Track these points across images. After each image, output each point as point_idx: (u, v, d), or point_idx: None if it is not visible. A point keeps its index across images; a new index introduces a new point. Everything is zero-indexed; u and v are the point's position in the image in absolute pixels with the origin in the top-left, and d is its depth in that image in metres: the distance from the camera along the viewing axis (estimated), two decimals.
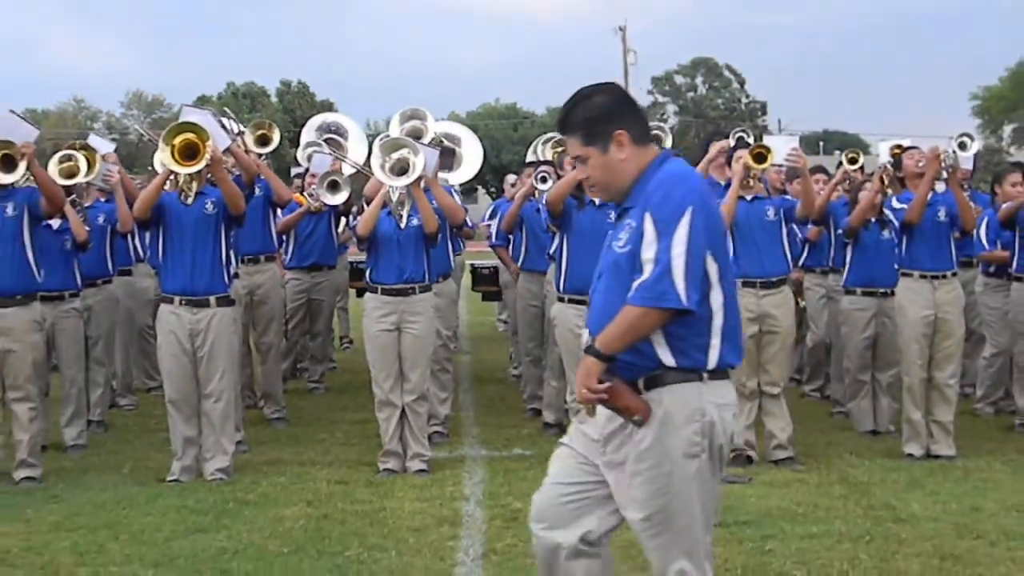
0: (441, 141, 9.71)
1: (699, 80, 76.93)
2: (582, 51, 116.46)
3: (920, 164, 8.89)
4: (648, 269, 3.83)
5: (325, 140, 11.29)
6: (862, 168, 10.34)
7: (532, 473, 8.48)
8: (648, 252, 3.85)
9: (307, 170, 11.45)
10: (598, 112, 4.11)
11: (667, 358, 3.90)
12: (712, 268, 3.91)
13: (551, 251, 9.04)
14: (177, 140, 8.43)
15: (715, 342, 3.95)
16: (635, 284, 3.87)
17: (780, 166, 8.95)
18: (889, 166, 9.36)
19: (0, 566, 6.48)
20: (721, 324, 3.96)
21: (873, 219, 9.21)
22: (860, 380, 9.77)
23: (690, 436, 3.91)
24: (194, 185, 8.50)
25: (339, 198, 11.09)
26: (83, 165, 9.89)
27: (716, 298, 3.94)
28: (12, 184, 8.57)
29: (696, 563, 3.99)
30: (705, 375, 3.94)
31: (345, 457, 9.13)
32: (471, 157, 10.24)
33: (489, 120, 69.29)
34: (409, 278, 8.69)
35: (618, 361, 3.90)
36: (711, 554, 4.03)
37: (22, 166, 8.56)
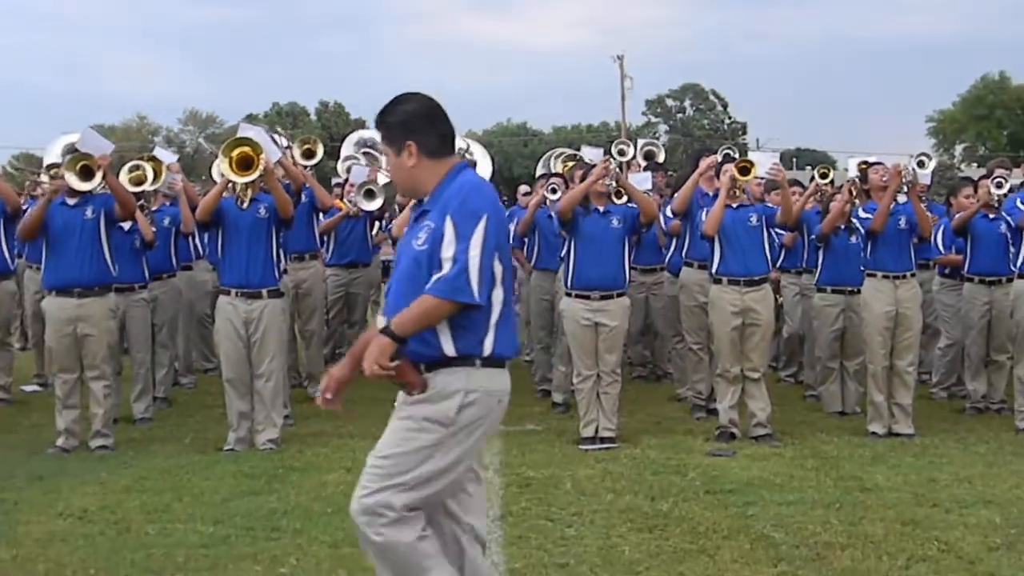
0: (464, 155, 9.76)
1: (687, 103, 76.64)
2: (585, 77, 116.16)
3: (884, 178, 8.93)
4: (447, 266, 3.83)
5: (362, 154, 11.35)
6: (832, 182, 10.35)
7: (542, 446, 8.56)
8: (448, 251, 3.85)
9: (346, 180, 11.49)
10: (399, 120, 4.11)
11: (448, 347, 3.89)
12: (497, 268, 3.93)
13: (561, 253, 9.07)
14: (235, 153, 8.50)
15: (491, 334, 3.95)
16: (434, 278, 3.87)
17: (761, 179, 8.99)
18: (856, 180, 9.39)
19: (80, 522, 6.51)
20: (497, 318, 3.96)
21: (842, 226, 9.25)
22: (829, 367, 9.80)
23: (443, 410, 3.89)
24: (249, 192, 8.57)
25: (374, 204, 11.15)
26: (150, 174, 9.97)
27: (498, 295, 3.95)
28: (90, 191, 8.62)
29: (396, 505, 3.90)
30: (478, 362, 3.93)
31: (378, 430, 8.97)
32: (483, 169, 10.30)
33: (502, 137, 69.10)
34: None
35: (408, 347, 3.90)
36: (429, 506, 3.96)
37: (99, 175, 8.61)
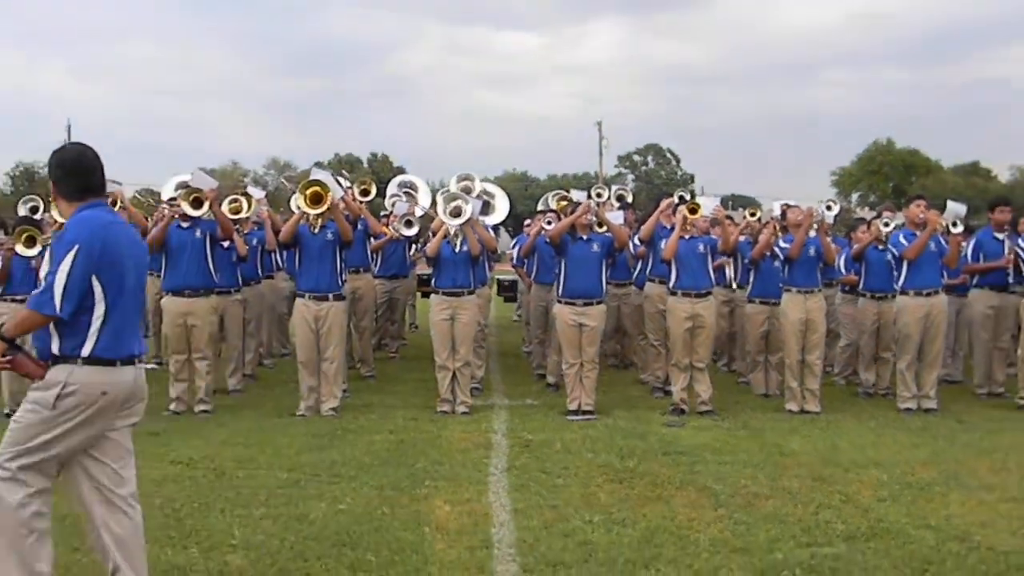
0: (482, 195, 9.73)
1: (649, 158, 76.63)
2: (571, 137, 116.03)
3: (799, 217, 8.94)
4: (41, 285, 3.70)
5: (403, 193, 11.32)
6: (759, 219, 10.35)
7: (538, 416, 8.51)
8: (43, 273, 3.76)
9: (391, 212, 11.48)
10: (50, 166, 3.98)
11: (55, 347, 3.72)
12: (98, 288, 3.73)
13: (555, 271, 9.03)
14: (308, 191, 8.49)
15: (91, 340, 3.73)
16: (32, 293, 3.77)
17: (706, 217, 8.96)
18: (778, 218, 9.37)
19: (186, 468, 6.50)
20: (99, 327, 3.74)
21: (768, 253, 9.22)
22: (757, 360, 9.75)
23: (46, 396, 3.71)
24: (319, 221, 8.54)
25: (412, 231, 11.11)
26: (244, 205, 9.95)
27: (99, 309, 3.74)
28: (199, 217, 8.64)
29: (9, 466, 3.71)
30: (80, 361, 3.72)
31: (414, 402, 9.13)
32: (502, 206, 10.26)
33: (507, 183, 68.73)
34: (460, 285, 8.72)
35: (40, 344, 3.77)
36: (32, 471, 3.73)
37: (206, 205, 8.63)
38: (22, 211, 10.24)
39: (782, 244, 8.99)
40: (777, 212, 9.53)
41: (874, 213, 10.85)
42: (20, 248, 8.40)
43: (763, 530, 5.12)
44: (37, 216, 9.54)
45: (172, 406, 8.57)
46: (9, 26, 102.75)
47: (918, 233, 8.81)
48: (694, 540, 4.95)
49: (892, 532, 5.09)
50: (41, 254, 8.52)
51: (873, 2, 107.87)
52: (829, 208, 9.44)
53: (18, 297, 8.50)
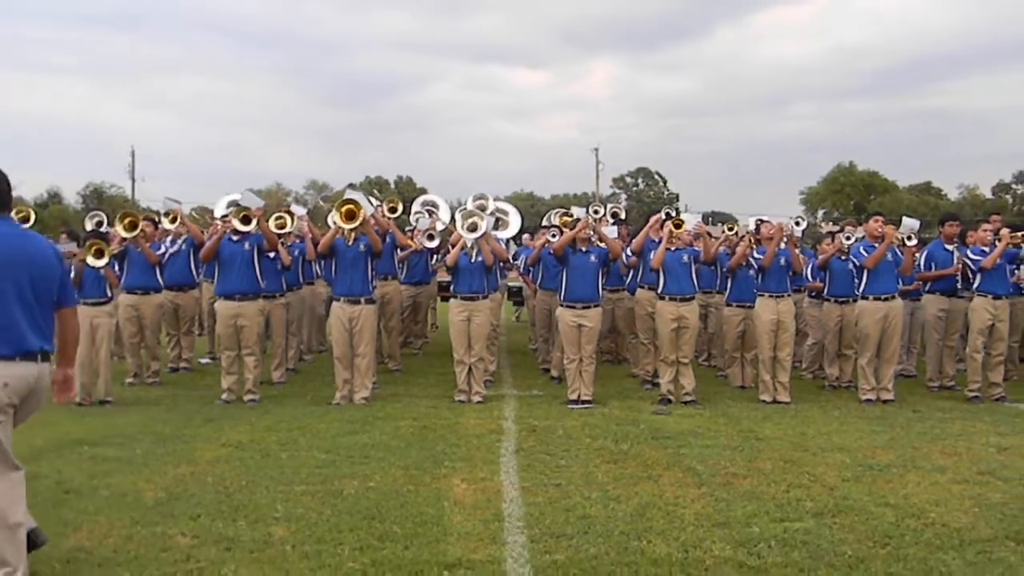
0: (495, 212, 9.73)
1: (640, 180, 76.46)
2: (572, 161, 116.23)
3: (771, 232, 8.92)
4: None
5: (425, 210, 11.33)
6: (736, 233, 10.31)
7: (543, 405, 8.48)
8: None
9: (415, 227, 11.50)
10: None
11: None
12: None
13: (559, 278, 9.02)
14: (343, 208, 8.49)
15: None
16: None
17: (689, 231, 8.94)
18: (753, 232, 9.35)
19: (236, 450, 6.48)
20: None
21: (744, 263, 9.19)
22: (734, 356, 9.69)
23: None
24: (353, 234, 8.53)
25: (433, 244, 11.13)
26: (288, 221, 9.98)
27: None
28: (248, 231, 8.65)
29: None
30: None
31: (435, 392, 9.12)
32: (514, 222, 10.26)
33: (515, 201, 68.65)
34: (476, 290, 8.70)
35: None
36: None
37: (254, 222, 8.64)
38: (89, 225, 10.31)
39: (756, 255, 8.95)
40: (752, 227, 9.49)
41: (837, 228, 10.82)
42: (90, 259, 8.42)
43: (741, 506, 5.09)
44: (102, 229, 9.58)
45: (224, 396, 8.56)
46: (78, 60, 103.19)
47: (877, 245, 8.77)
48: (680, 515, 4.93)
49: (856, 509, 5.05)
50: (109, 264, 8.58)
51: (839, 40, 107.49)
52: (798, 223, 9.39)
53: (89, 301, 8.55)
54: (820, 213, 60.19)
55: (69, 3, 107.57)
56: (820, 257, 9.78)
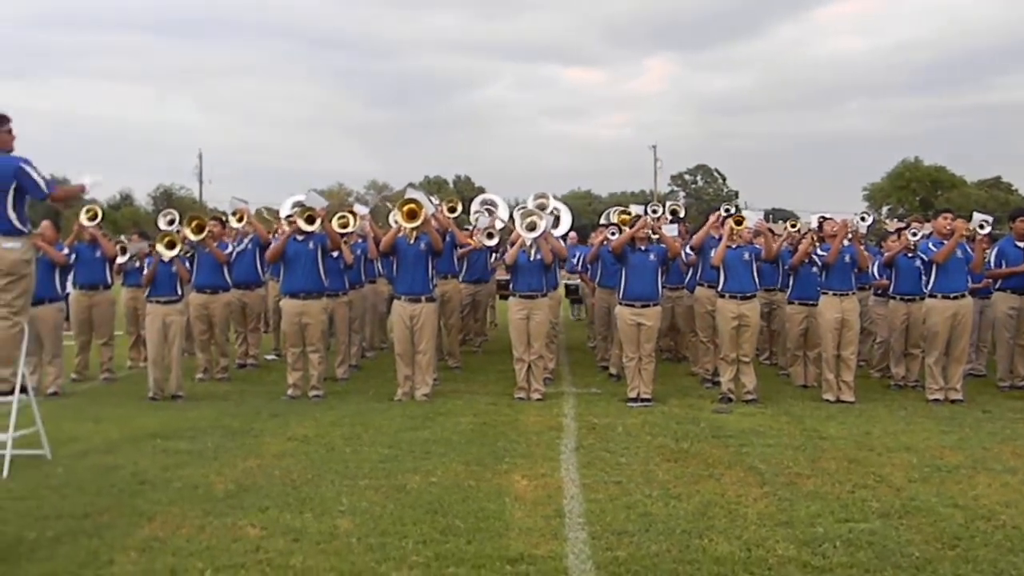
0: (554, 211, 9.73)
1: (698, 177, 75.55)
2: (628, 158, 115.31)
3: (834, 228, 8.75)
4: None
5: (485, 209, 11.38)
6: (799, 230, 10.14)
7: (602, 403, 8.47)
8: None
9: (474, 226, 11.56)
10: None
11: None
12: None
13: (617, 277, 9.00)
14: (404, 208, 8.58)
15: None
16: None
17: (750, 228, 8.83)
18: (816, 229, 9.18)
19: (302, 444, 6.59)
20: None
21: (806, 260, 9.03)
22: (796, 354, 9.52)
23: None
24: (414, 233, 8.61)
25: (492, 242, 11.14)
26: (351, 220, 10.12)
27: None
28: (312, 231, 8.79)
29: None
30: None
31: (495, 390, 9.16)
32: (565, 220, 10.26)
33: (573, 200, 68.44)
34: (535, 288, 8.71)
35: None
36: None
37: (318, 222, 8.79)
38: (162, 223, 10.56)
39: (820, 252, 8.79)
40: (815, 224, 9.33)
41: (902, 224, 10.56)
42: (161, 249, 8.67)
43: (804, 506, 5.01)
44: (174, 227, 9.83)
45: (289, 391, 8.73)
46: (144, 66, 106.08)
47: (946, 242, 8.55)
48: (743, 514, 4.88)
49: (923, 510, 4.93)
50: (181, 258, 8.83)
51: (898, 34, 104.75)
52: (863, 219, 9.21)
53: (161, 299, 8.80)
54: (884, 209, 58.69)
55: (133, 11, 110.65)
56: (886, 254, 9.55)
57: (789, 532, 4.57)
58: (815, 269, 8.93)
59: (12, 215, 5.75)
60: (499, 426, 7.29)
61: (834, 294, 8.64)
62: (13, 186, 5.73)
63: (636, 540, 4.45)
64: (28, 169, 5.76)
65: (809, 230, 9.46)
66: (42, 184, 5.81)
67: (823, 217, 9.16)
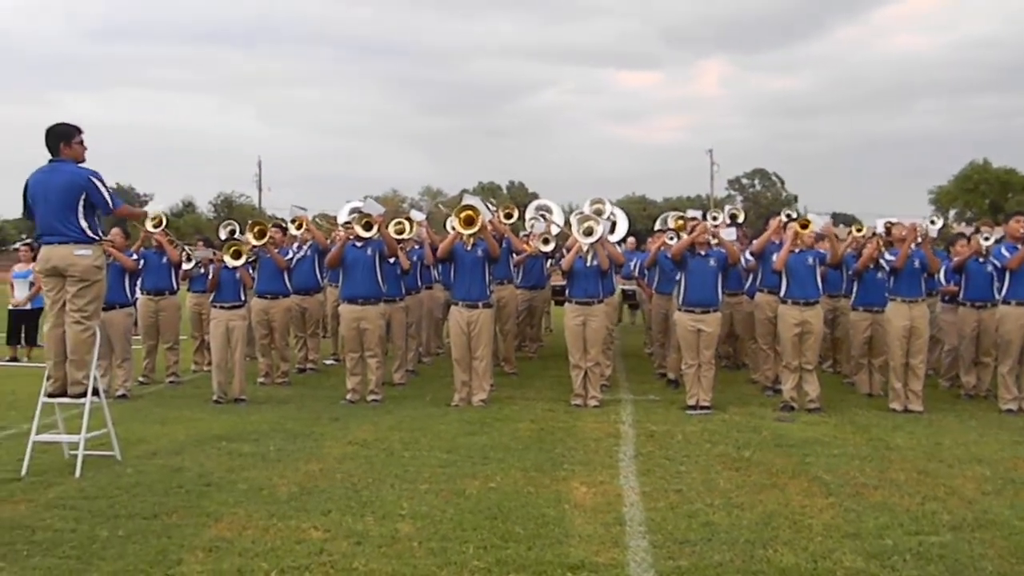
0: (611, 217, 9.70)
1: (756, 181, 74.52)
2: (684, 162, 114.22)
3: (903, 233, 8.56)
4: None
5: (540, 215, 11.39)
6: (863, 234, 9.93)
7: (660, 410, 8.40)
8: None
9: (529, 232, 11.57)
10: None
11: None
12: None
13: (675, 282, 8.95)
14: (462, 214, 8.64)
15: None
16: None
17: (815, 232, 8.69)
18: (882, 234, 8.99)
19: (361, 448, 6.67)
20: None
21: (872, 266, 8.85)
22: (861, 362, 9.34)
23: None
24: (471, 240, 8.68)
25: (548, 248, 11.18)
26: (407, 227, 10.23)
27: None
28: (370, 237, 8.89)
29: None
30: None
31: (551, 395, 9.15)
32: (621, 226, 10.24)
33: (627, 205, 68.15)
34: (591, 294, 8.69)
35: None
36: None
37: (375, 228, 8.89)
38: (223, 234, 10.84)
39: (888, 257, 8.60)
40: (880, 229, 9.14)
41: (971, 228, 10.27)
42: (228, 259, 8.88)
43: (872, 518, 4.91)
44: (236, 237, 10.07)
45: (348, 396, 8.84)
46: (206, 76, 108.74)
47: (1020, 247, 8.30)
48: (808, 525, 4.79)
49: (997, 523, 4.79)
50: (245, 265, 9.03)
51: (964, 33, 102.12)
52: (933, 223, 8.99)
53: (225, 304, 9.00)
54: (952, 213, 57.21)
55: (194, 23, 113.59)
56: (955, 259, 9.31)
57: (857, 544, 4.49)
58: (880, 274, 8.75)
59: (84, 224, 5.95)
60: (557, 432, 7.29)
61: (902, 300, 8.44)
62: (83, 196, 5.93)
63: (698, 549, 4.41)
64: (97, 183, 5.96)
65: (874, 234, 9.28)
66: (108, 199, 6.01)
67: (890, 222, 8.97)
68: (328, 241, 10.41)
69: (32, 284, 12.69)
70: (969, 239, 9.38)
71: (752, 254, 9.53)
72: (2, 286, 15.07)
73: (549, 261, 12.02)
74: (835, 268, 9.09)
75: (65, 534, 4.60)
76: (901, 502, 5.22)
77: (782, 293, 8.54)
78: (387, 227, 9.30)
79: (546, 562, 4.21)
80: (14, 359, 12.52)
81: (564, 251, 9.55)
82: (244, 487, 5.54)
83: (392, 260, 9.36)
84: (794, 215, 10.07)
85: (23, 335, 12.73)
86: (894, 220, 8.91)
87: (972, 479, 5.76)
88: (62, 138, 6.01)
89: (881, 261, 8.66)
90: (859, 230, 10.05)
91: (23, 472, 5.81)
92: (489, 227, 8.93)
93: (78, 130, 6.10)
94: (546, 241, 11.12)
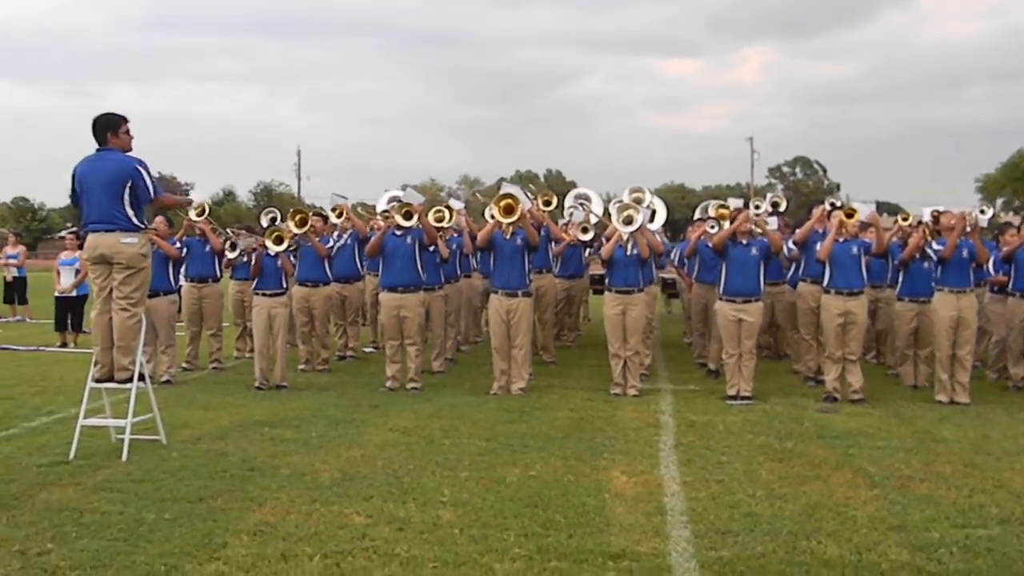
0: (651, 205, 9.63)
1: (797, 169, 73.61)
2: (725, 151, 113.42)
3: (952, 222, 8.39)
4: None
5: (579, 204, 11.33)
6: (909, 223, 9.75)
7: (701, 400, 8.34)
8: None
9: (568, 220, 11.53)
10: None
11: None
12: None
13: (716, 272, 8.89)
14: (502, 203, 8.63)
15: None
16: None
17: (861, 222, 8.55)
18: (929, 223, 8.82)
19: (402, 435, 6.70)
20: None
21: (918, 255, 8.69)
22: (906, 353, 9.17)
23: None
24: (510, 228, 8.67)
25: (588, 236, 11.12)
26: (446, 216, 10.25)
27: None
28: (410, 226, 8.93)
29: None
30: None
31: (590, 385, 9.12)
32: (660, 215, 10.17)
33: (665, 193, 67.69)
34: (631, 283, 8.64)
35: None
36: None
37: (415, 217, 8.92)
38: (264, 221, 10.94)
39: (935, 246, 8.44)
40: (927, 218, 8.97)
41: (1020, 217, 10.05)
42: (269, 244, 8.98)
43: (918, 511, 4.84)
44: (278, 224, 10.16)
45: (388, 383, 8.90)
46: (246, 67, 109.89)
47: None
48: (852, 516, 4.74)
49: None
50: (286, 251, 9.12)
51: (1015, 19, 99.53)
52: (983, 212, 8.80)
53: (267, 292, 9.10)
54: (999, 202, 55.97)
55: (237, 13, 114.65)
56: (1004, 249, 9.10)
57: (902, 537, 4.43)
58: (927, 264, 8.58)
59: (130, 212, 6.05)
60: (596, 421, 7.27)
61: (950, 291, 8.28)
62: (129, 184, 6.02)
63: (741, 540, 4.38)
64: (141, 171, 6.05)
65: (920, 223, 9.11)
66: (151, 188, 6.10)
67: (937, 211, 8.80)
68: (368, 230, 10.48)
69: (78, 271, 12.95)
70: (1019, 228, 9.19)
71: (795, 243, 9.41)
72: (49, 273, 15.38)
73: (588, 250, 11.96)
74: (880, 257, 8.94)
75: (112, 517, 4.70)
76: (948, 495, 5.14)
77: (825, 282, 8.42)
78: (426, 216, 9.33)
79: (587, 551, 4.21)
80: (63, 344, 12.79)
81: (603, 240, 9.50)
82: (287, 472, 5.61)
83: (431, 249, 9.36)
84: (839, 203, 9.91)
85: (69, 321, 12.99)
86: (941, 209, 8.73)
87: (1021, 472, 5.65)
88: (109, 127, 6.11)
89: (928, 250, 8.50)
90: (905, 219, 9.88)
91: (71, 456, 5.95)
92: (528, 215, 8.91)
93: (124, 119, 6.20)
94: (585, 230, 11.07)
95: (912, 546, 4.30)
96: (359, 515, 4.74)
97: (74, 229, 14.51)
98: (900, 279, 9.04)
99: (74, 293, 13.06)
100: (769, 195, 12.18)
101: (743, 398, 8.17)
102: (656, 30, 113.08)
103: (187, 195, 8.08)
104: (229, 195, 66.60)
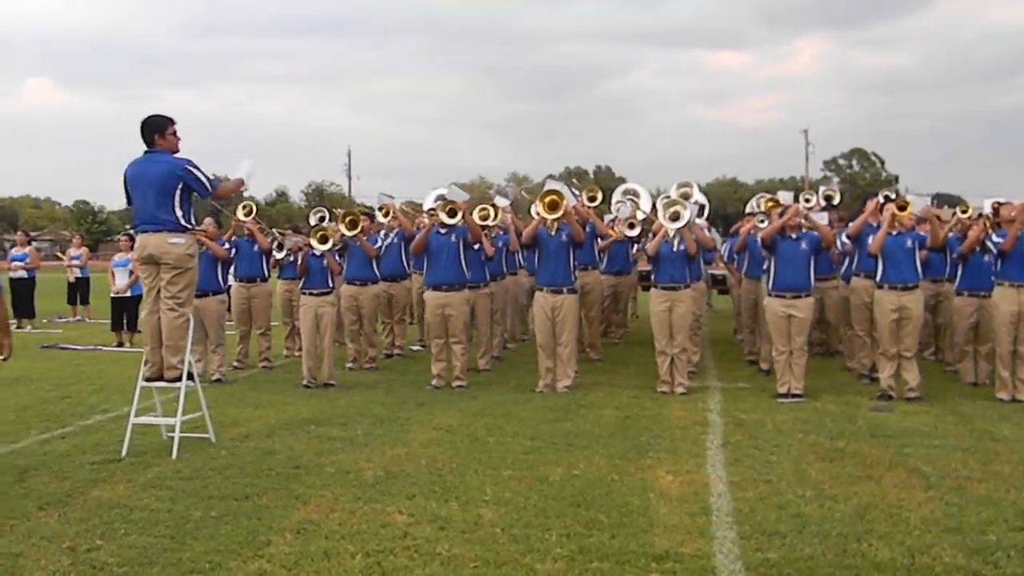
0: (698, 201, 9.52)
1: (853, 161, 72.12)
2: (777, 144, 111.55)
3: (1013, 213, 8.11)
4: None
5: (628, 200, 11.25)
6: (969, 216, 9.46)
7: (750, 398, 8.22)
8: None
9: (615, 216, 11.46)
10: None
11: None
12: None
13: (764, 266, 8.74)
14: (547, 199, 8.58)
15: None
16: None
17: (914, 215, 8.32)
18: (990, 215, 8.54)
19: (447, 433, 6.70)
20: None
21: (978, 248, 8.42)
22: (965, 350, 8.90)
23: None
24: (555, 225, 8.62)
25: (635, 232, 11.05)
26: (492, 213, 10.24)
27: None
28: (455, 224, 8.93)
29: None
30: None
31: (636, 383, 9.04)
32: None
33: (717, 188, 67.02)
34: (678, 280, 8.54)
35: None
36: None
37: (460, 215, 8.93)
38: (313, 220, 11.05)
39: (995, 239, 8.17)
40: (987, 209, 8.69)
41: None
42: (314, 244, 9.06)
43: (975, 512, 4.68)
44: (325, 223, 10.25)
45: (434, 382, 8.92)
46: (297, 69, 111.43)
47: None
48: (905, 518, 4.60)
49: None
50: (332, 251, 9.20)
51: None
52: None
53: (314, 291, 9.19)
54: None
55: (283, 16, 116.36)
56: None
57: (957, 539, 4.28)
58: (987, 258, 8.32)
59: (179, 213, 6.14)
60: (642, 420, 7.20)
61: (1011, 285, 8.00)
62: (179, 186, 6.12)
63: (788, 542, 4.28)
64: (192, 169, 6.15)
65: (981, 215, 8.83)
66: (206, 183, 6.19)
67: (998, 202, 8.51)
68: (414, 228, 10.52)
69: (131, 272, 13.24)
70: None
71: (848, 237, 9.22)
72: (105, 275, 15.76)
73: (635, 246, 11.87)
74: (937, 251, 8.69)
75: (160, 514, 4.78)
76: (1007, 496, 4.97)
77: (878, 277, 8.22)
78: (471, 213, 9.33)
79: (630, 551, 4.15)
80: (120, 344, 13.09)
81: (651, 235, 9.40)
82: (332, 470, 5.65)
83: (476, 246, 9.38)
84: (892, 196, 9.66)
85: (125, 321, 13.29)
86: (1002, 200, 8.45)
87: None
88: (156, 130, 6.21)
89: (988, 243, 8.23)
90: (964, 211, 9.58)
91: (123, 453, 6.07)
92: (573, 212, 8.86)
93: (171, 121, 6.29)
94: (631, 226, 10.99)
95: (968, 549, 4.15)
96: (401, 513, 4.74)
97: (130, 231, 14.86)
98: (959, 273, 8.78)
99: (128, 293, 13.35)
100: (822, 188, 11.93)
101: (794, 396, 8.02)
102: (702, 23, 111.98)
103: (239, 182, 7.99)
104: (282, 195, 67.69)
